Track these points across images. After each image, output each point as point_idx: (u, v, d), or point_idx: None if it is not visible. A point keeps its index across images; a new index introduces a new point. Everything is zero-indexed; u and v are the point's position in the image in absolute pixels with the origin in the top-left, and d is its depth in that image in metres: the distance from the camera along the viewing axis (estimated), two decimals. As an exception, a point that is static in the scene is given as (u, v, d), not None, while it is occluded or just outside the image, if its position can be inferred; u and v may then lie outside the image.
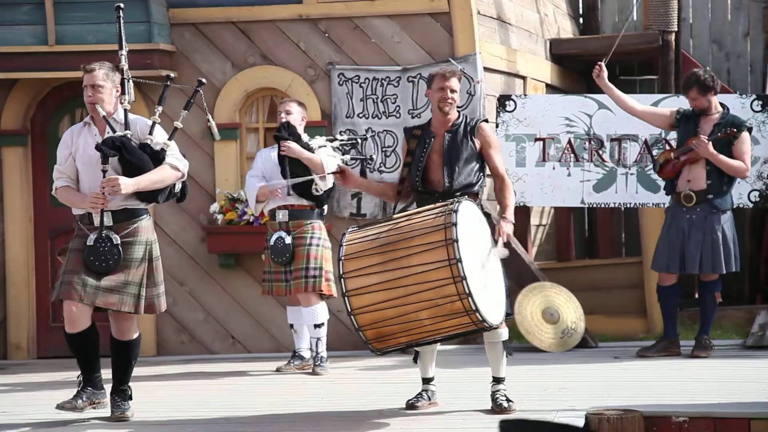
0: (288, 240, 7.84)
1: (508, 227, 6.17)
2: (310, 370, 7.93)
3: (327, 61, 9.17)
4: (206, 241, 9.18)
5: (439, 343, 6.28)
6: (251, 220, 8.94)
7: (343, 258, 5.92)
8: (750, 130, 8.21)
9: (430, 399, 6.44)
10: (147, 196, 6.26)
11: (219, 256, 9.17)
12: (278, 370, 8.08)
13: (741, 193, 8.94)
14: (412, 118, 9.04)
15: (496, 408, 6.19)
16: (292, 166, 7.86)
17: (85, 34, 8.90)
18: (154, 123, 6.32)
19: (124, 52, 6.41)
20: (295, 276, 7.85)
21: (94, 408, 6.26)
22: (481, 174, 6.33)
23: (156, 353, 9.23)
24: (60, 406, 6.17)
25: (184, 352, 9.22)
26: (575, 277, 9.40)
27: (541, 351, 8.50)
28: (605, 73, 8.29)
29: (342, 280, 5.89)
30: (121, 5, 6.51)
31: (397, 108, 9.07)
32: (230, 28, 9.27)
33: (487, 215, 6.21)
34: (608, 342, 8.90)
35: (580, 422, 5.80)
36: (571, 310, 8.68)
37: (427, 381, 6.47)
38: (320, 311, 7.90)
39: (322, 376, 7.80)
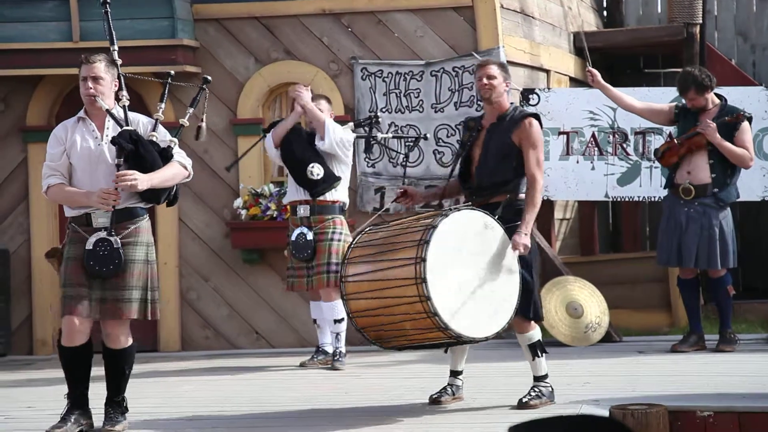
0: (310, 236, 7.82)
1: (522, 240, 5.98)
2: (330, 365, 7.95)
3: (350, 56, 9.17)
4: (230, 237, 9.20)
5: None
6: (275, 216, 8.95)
7: (346, 261, 5.99)
8: (750, 119, 8.15)
9: (454, 394, 6.42)
10: (150, 195, 5.96)
11: (243, 251, 9.19)
12: (302, 365, 8.09)
13: (767, 187, 8.88)
14: (435, 112, 9.04)
15: (521, 404, 6.17)
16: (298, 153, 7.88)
17: (109, 30, 8.93)
18: (157, 120, 6.03)
19: (115, 47, 6.10)
20: (317, 271, 7.84)
21: (82, 430, 5.92)
22: (521, 170, 6.15)
23: (180, 348, 9.27)
24: None
25: (208, 347, 9.25)
26: (599, 271, 9.37)
27: (564, 345, 8.48)
28: (598, 75, 8.21)
29: (342, 283, 5.98)
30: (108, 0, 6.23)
31: (420, 102, 9.06)
32: (253, 23, 9.28)
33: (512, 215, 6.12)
34: (632, 336, 8.87)
35: (604, 414, 5.78)
36: (594, 305, 8.66)
37: (454, 374, 6.45)
38: (340, 306, 7.89)
39: (344, 371, 7.81)
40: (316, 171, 7.77)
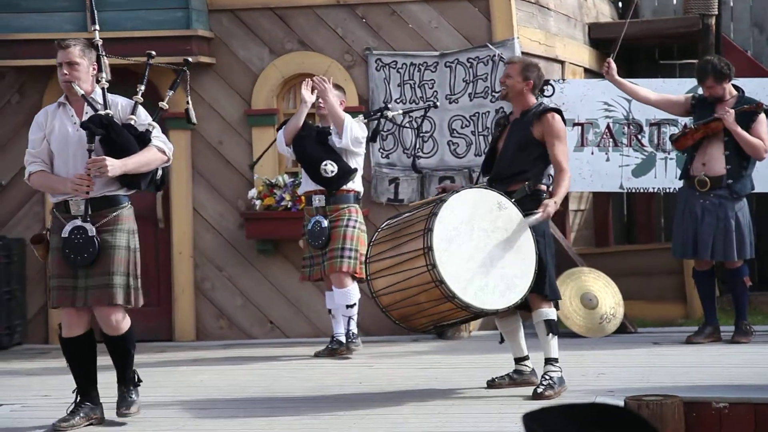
0: (325, 223, 7.85)
1: (550, 206, 6.15)
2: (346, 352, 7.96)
3: (364, 47, 9.16)
4: (244, 227, 9.21)
5: (519, 321, 6.44)
6: (289, 206, 8.96)
7: (371, 243, 6.25)
8: (767, 112, 8.11)
9: (514, 379, 6.46)
10: (129, 181, 5.81)
11: (257, 241, 9.20)
12: (316, 355, 8.10)
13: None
14: (450, 103, 9.02)
15: (535, 394, 6.18)
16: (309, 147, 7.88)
17: (123, 20, 8.94)
18: (136, 103, 5.87)
19: (97, 27, 6.02)
20: (330, 256, 7.85)
21: (91, 424, 5.89)
22: (540, 162, 6.29)
23: (195, 338, 9.28)
24: (56, 427, 5.80)
25: (222, 337, 9.26)
26: (614, 262, 9.35)
27: (579, 336, 8.47)
28: (614, 69, 8.17)
29: (366, 264, 6.22)
30: None
31: (435, 93, 9.05)
32: (268, 14, 9.28)
33: (531, 198, 6.22)
34: (647, 327, 8.86)
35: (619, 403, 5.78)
36: (609, 296, 8.65)
37: (518, 360, 6.49)
38: (353, 292, 7.93)
39: (358, 361, 7.81)
40: (330, 168, 7.80)
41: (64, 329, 5.91)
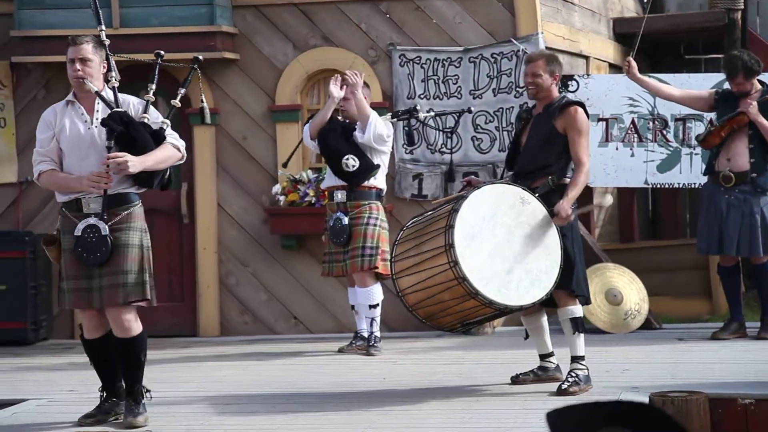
0: (345, 221, 7.85)
1: (562, 209, 6.12)
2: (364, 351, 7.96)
3: (388, 42, 9.15)
4: (268, 223, 9.23)
5: (545, 317, 6.42)
6: (313, 202, 8.97)
7: (396, 242, 6.24)
8: None
9: (539, 376, 6.46)
10: (143, 179, 5.77)
11: (281, 237, 9.21)
12: (340, 350, 8.11)
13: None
14: (474, 99, 9.01)
15: (560, 390, 6.17)
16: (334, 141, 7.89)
17: (149, 16, 8.97)
18: (147, 102, 5.84)
19: (103, 27, 5.96)
20: (351, 255, 7.85)
21: (116, 420, 5.87)
22: (564, 155, 6.29)
23: (219, 333, 9.31)
24: (81, 422, 5.82)
25: (247, 332, 9.28)
26: (639, 258, 9.32)
27: (604, 332, 8.45)
28: (635, 68, 8.13)
29: (391, 263, 6.22)
30: None
31: (459, 89, 9.04)
32: (292, 9, 9.28)
33: (551, 193, 6.20)
34: (672, 323, 8.82)
35: (643, 401, 5.75)
36: (634, 292, 8.62)
37: (543, 357, 6.49)
38: (375, 292, 7.92)
39: (381, 357, 7.81)
40: (351, 162, 7.79)
41: (85, 331, 5.89)
